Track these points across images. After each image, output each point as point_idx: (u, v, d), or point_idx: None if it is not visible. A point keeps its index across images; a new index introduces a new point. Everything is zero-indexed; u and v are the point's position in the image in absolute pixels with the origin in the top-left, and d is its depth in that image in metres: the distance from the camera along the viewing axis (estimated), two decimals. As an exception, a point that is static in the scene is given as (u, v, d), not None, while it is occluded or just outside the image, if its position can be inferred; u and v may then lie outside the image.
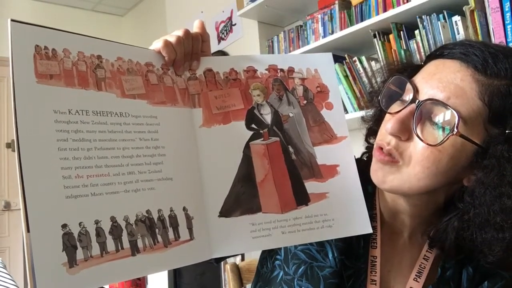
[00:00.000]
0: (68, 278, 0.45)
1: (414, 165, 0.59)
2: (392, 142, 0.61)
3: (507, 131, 0.56)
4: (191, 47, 0.64)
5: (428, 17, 1.73)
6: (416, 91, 0.60)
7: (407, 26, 1.87)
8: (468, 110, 0.56)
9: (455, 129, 0.55)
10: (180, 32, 0.63)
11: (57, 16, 3.92)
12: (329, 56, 0.74)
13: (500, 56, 0.57)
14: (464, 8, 1.60)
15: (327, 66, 0.73)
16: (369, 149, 0.75)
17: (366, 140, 0.76)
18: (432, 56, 0.64)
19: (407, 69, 0.68)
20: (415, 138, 0.58)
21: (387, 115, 0.65)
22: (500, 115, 0.56)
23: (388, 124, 0.60)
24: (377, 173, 0.63)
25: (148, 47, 0.64)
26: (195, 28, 0.66)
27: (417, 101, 0.58)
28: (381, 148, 0.62)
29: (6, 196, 3.66)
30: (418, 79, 0.62)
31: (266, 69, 0.70)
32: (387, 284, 0.69)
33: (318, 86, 0.72)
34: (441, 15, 1.70)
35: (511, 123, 0.56)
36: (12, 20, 0.49)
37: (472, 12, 1.59)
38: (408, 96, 0.61)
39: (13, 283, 1.44)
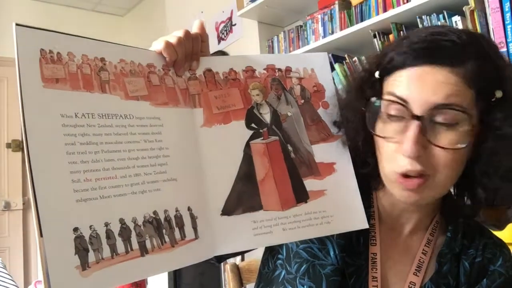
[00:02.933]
0: (81, 281, 0.46)
1: (443, 169, 0.60)
2: (415, 164, 0.59)
3: (492, 99, 0.60)
4: (191, 48, 0.65)
5: (428, 17, 1.74)
6: (410, 109, 0.59)
7: (407, 26, 1.87)
8: (464, 102, 0.57)
9: (470, 123, 0.57)
10: (180, 33, 0.64)
11: (57, 16, 3.88)
12: (324, 56, 0.76)
13: (453, 38, 0.59)
14: (464, 8, 1.61)
15: (323, 66, 0.75)
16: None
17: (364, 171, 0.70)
18: (390, 69, 0.63)
19: (364, 87, 0.67)
20: (432, 149, 0.59)
21: (384, 141, 0.63)
22: (482, 90, 0.59)
23: (406, 147, 0.58)
24: (413, 197, 0.62)
25: (148, 47, 0.64)
26: (194, 29, 0.66)
27: (415, 116, 0.58)
28: (404, 175, 0.61)
29: (6, 196, 3.66)
30: (394, 93, 0.61)
31: (264, 69, 0.71)
32: (389, 280, 0.70)
33: (315, 86, 0.73)
34: (441, 15, 1.71)
35: (491, 91, 0.59)
36: (17, 24, 0.49)
37: (472, 12, 1.59)
38: (400, 113, 0.60)
39: (13, 283, 1.43)
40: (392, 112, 0.61)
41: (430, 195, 0.63)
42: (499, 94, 0.59)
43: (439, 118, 0.58)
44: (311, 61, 0.74)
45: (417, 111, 0.58)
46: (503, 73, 0.60)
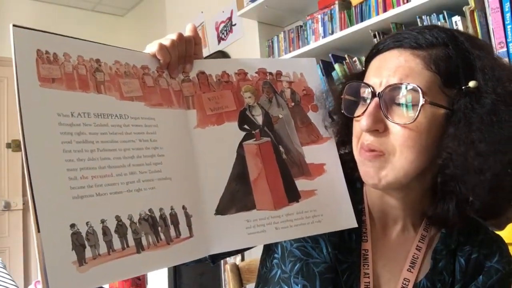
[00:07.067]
0: (78, 276, 0.47)
1: (400, 151, 0.62)
2: (370, 139, 0.63)
3: (463, 87, 0.61)
4: (184, 50, 0.66)
5: (428, 17, 1.76)
6: (372, 88, 0.64)
7: (407, 26, 1.87)
8: (422, 82, 0.60)
9: (423, 99, 0.59)
10: (174, 36, 0.65)
11: (57, 16, 3.87)
12: (313, 61, 0.79)
13: (425, 31, 0.64)
14: (464, 8, 1.63)
15: (311, 70, 0.77)
16: (342, 160, 0.74)
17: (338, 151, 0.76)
18: (370, 57, 0.69)
19: (354, 78, 0.72)
20: (391, 128, 0.62)
21: (355, 122, 0.68)
22: (451, 76, 0.62)
23: (362, 121, 0.63)
24: (369, 172, 0.64)
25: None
26: (187, 32, 0.68)
27: (377, 93, 0.63)
28: (363, 148, 0.65)
29: (6, 196, 3.63)
30: (368, 78, 0.66)
31: (256, 72, 0.73)
32: (383, 277, 0.70)
33: (304, 89, 0.75)
34: (441, 15, 1.72)
35: (462, 79, 0.62)
36: (14, 26, 0.50)
37: (472, 12, 1.61)
38: (367, 94, 0.65)
39: (13, 283, 1.42)
40: (362, 95, 0.67)
41: (389, 177, 0.63)
42: (472, 84, 0.61)
43: (398, 98, 0.62)
44: (300, 65, 0.76)
45: (378, 90, 0.63)
46: (480, 64, 0.62)
